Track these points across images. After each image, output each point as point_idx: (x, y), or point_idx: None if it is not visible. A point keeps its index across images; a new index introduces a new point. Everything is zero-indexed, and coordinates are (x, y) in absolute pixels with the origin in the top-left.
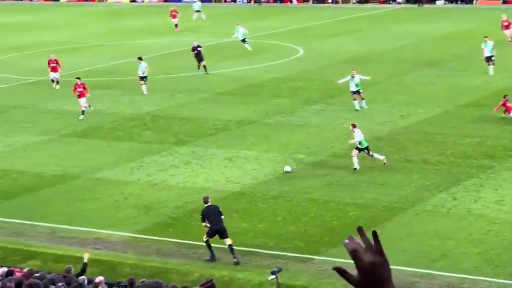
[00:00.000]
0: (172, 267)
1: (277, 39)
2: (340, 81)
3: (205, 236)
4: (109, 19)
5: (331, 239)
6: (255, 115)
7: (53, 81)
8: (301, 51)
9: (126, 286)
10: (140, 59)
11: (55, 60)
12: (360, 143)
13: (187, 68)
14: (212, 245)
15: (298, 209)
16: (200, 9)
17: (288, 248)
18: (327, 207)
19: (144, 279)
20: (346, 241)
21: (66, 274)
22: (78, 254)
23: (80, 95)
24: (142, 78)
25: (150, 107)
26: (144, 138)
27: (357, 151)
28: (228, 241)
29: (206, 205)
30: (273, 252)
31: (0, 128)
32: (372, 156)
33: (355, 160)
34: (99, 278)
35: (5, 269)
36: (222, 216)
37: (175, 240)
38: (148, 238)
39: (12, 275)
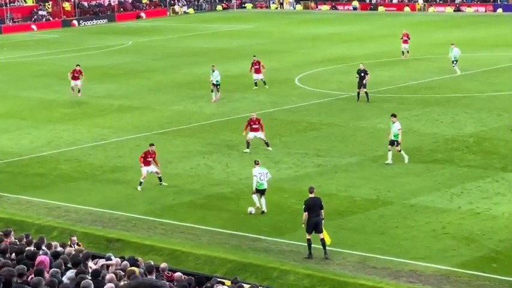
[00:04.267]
0: None
1: None
2: None
3: (307, 234)
4: (429, 30)
5: None
6: None
7: None
8: None
9: None
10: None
11: None
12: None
13: None
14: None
15: None
16: None
17: None
18: None
19: None
20: None
21: None
22: (389, 287)
23: (145, 164)
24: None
25: (474, 127)
26: (466, 162)
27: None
28: (321, 235)
29: (310, 195)
30: None
31: (311, 145)
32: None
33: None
34: None
35: None
36: (322, 210)
37: (498, 276)
38: (468, 273)
39: None
